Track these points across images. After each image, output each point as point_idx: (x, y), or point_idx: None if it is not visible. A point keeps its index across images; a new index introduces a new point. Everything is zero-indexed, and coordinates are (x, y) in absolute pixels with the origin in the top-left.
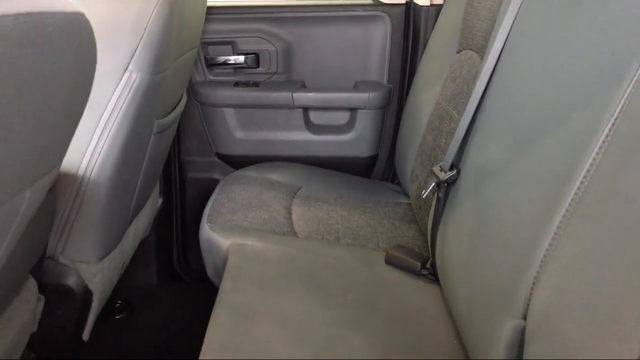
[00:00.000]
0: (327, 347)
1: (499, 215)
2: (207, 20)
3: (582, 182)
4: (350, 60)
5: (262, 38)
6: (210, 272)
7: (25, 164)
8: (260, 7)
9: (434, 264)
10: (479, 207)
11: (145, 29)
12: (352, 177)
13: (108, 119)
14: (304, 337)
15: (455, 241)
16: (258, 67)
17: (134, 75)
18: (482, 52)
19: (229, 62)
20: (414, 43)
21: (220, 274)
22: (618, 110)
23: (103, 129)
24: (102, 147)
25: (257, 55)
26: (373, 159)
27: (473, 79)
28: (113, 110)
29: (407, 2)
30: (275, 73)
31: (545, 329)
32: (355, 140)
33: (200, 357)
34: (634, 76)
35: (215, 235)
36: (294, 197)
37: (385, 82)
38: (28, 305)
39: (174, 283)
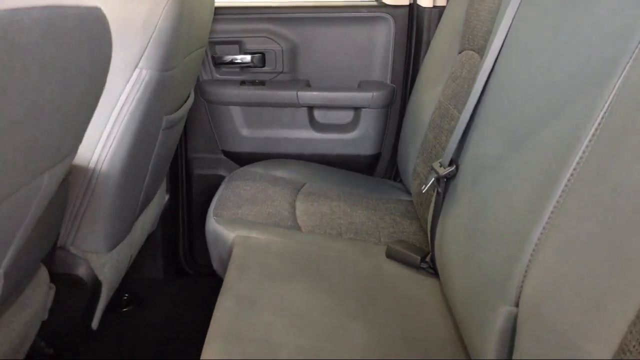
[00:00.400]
0: (328, 334)
1: (494, 209)
2: (214, 20)
3: (571, 174)
4: (354, 60)
5: (269, 38)
6: (215, 264)
7: (46, 148)
8: (266, 8)
9: (434, 257)
10: (475, 201)
11: (155, 27)
12: (355, 174)
13: (119, 114)
14: (306, 324)
15: (453, 234)
16: (264, 66)
17: (144, 72)
18: (482, 52)
19: (236, 61)
20: (417, 44)
21: (225, 265)
22: (606, 105)
23: (114, 123)
24: (113, 141)
25: (263, 54)
26: (376, 157)
27: (473, 78)
28: (123, 105)
29: (410, 4)
30: (281, 72)
31: (535, 314)
32: (359, 139)
33: (206, 342)
34: (622, 73)
35: (221, 227)
36: (298, 193)
37: (388, 82)
38: (40, 293)
39: (179, 277)
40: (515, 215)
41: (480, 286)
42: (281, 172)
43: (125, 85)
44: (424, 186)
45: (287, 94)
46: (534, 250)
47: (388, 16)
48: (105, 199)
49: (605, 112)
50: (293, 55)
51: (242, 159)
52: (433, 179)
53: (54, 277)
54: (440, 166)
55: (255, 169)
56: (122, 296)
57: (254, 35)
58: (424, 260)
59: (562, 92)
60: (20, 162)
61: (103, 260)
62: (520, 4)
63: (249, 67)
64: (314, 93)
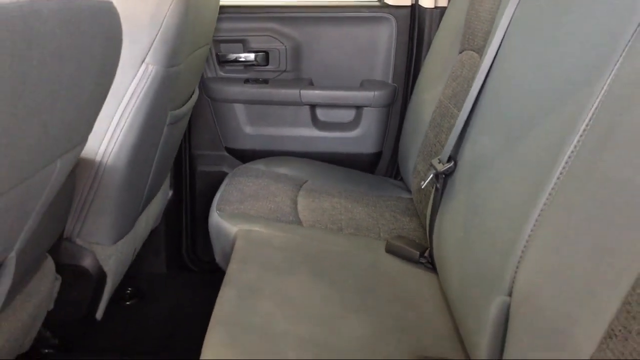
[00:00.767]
0: (327, 324)
1: (489, 203)
2: (219, 19)
3: (563, 168)
4: (357, 59)
5: (272, 37)
6: (218, 258)
7: (59, 135)
8: (270, 7)
9: (432, 253)
10: (471, 197)
11: (162, 24)
12: (357, 172)
13: (125, 107)
14: (305, 314)
15: (450, 229)
16: (267, 64)
17: (150, 68)
18: (482, 52)
19: (240, 59)
20: (419, 44)
21: (227, 258)
22: (597, 102)
23: (120, 117)
24: (119, 135)
25: (267, 53)
26: (377, 155)
27: (473, 78)
28: (130, 99)
29: (412, 4)
30: (284, 71)
31: (527, 303)
32: (361, 137)
33: (209, 329)
34: (612, 71)
35: (224, 221)
36: (299, 190)
37: (390, 81)
38: (46, 283)
39: (182, 272)
40: (509, 209)
41: (475, 277)
42: (283, 169)
43: (132, 80)
44: (423, 182)
45: (290, 93)
46: (526, 242)
47: (390, 16)
48: (111, 192)
49: (595, 109)
50: (296, 54)
51: (245, 156)
52: (432, 175)
53: (60, 268)
54: (439, 163)
55: (258, 165)
56: (126, 290)
57: (258, 34)
58: (422, 255)
59: (555, 90)
60: (36, 147)
61: (108, 252)
62: (517, 5)
63: (253, 65)
64: (317, 92)
